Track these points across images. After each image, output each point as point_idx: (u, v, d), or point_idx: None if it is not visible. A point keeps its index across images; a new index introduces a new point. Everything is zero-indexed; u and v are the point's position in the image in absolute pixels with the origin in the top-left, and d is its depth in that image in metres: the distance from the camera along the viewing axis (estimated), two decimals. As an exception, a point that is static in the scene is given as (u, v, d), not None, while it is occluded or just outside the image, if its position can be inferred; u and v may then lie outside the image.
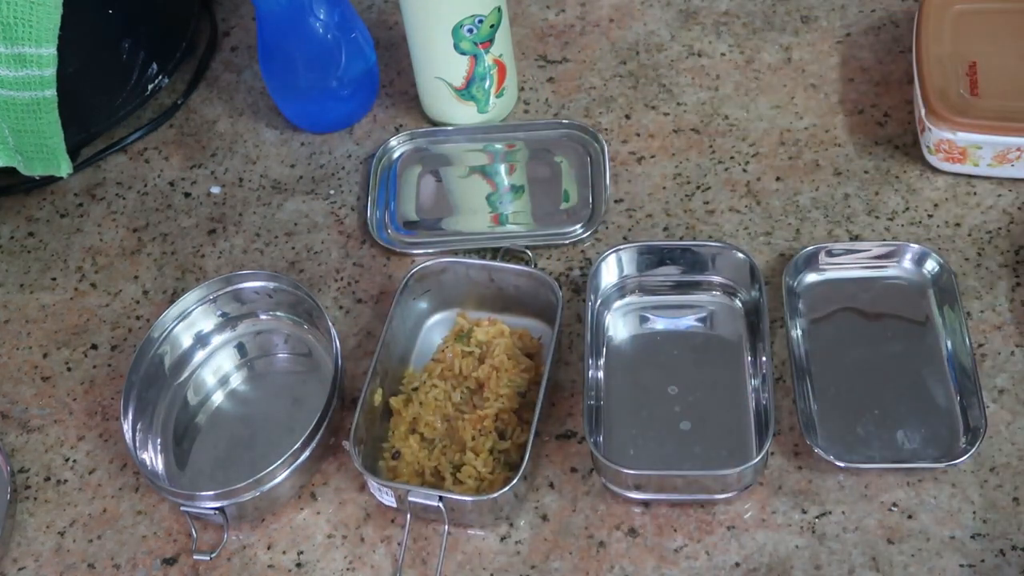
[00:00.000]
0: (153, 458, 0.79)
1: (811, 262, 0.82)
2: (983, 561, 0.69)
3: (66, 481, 0.80)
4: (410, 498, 0.71)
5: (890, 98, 0.94)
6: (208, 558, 0.74)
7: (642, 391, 0.78)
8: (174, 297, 0.89)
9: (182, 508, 0.74)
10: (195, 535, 0.75)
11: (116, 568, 0.76)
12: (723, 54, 1.00)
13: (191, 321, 0.84)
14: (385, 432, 0.78)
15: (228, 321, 0.85)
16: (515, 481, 0.70)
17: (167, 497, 0.76)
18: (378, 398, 0.77)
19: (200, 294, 0.84)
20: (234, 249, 0.92)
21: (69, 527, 0.78)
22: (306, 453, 0.74)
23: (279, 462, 0.73)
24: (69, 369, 0.87)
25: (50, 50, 0.85)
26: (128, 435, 0.77)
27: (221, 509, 0.73)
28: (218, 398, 0.83)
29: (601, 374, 0.79)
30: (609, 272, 0.82)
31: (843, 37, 1.00)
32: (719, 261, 0.82)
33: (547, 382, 0.75)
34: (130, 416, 0.78)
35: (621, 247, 0.82)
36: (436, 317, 0.84)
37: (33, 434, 0.83)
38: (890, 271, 0.82)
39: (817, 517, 0.72)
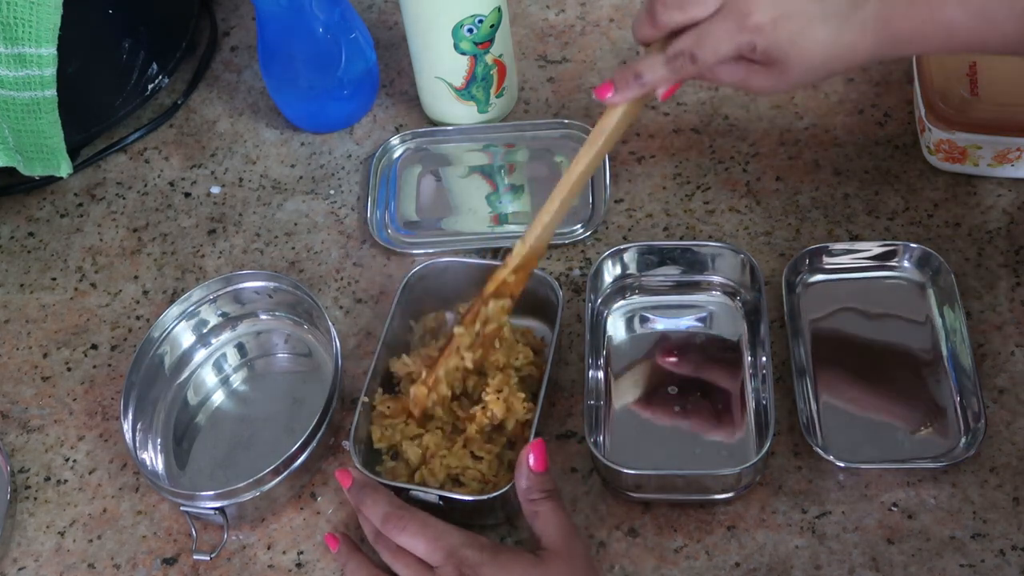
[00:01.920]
0: (153, 458, 0.79)
1: (811, 262, 0.82)
2: (983, 561, 0.69)
3: (66, 481, 0.80)
4: (411, 496, 0.71)
5: (890, 98, 0.94)
6: (208, 558, 0.74)
7: (642, 391, 0.78)
8: (174, 297, 0.89)
9: (182, 508, 0.74)
10: (195, 535, 0.75)
11: (116, 568, 0.76)
12: (723, 54, 1.00)
13: (191, 321, 0.84)
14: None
15: (228, 321, 0.86)
16: (514, 482, 0.70)
17: (167, 497, 0.76)
18: (378, 398, 0.77)
19: (200, 294, 0.84)
20: (234, 249, 0.92)
21: (69, 527, 0.78)
22: (306, 453, 0.75)
23: (279, 462, 0.73)
24: (69, 369, 0.87)
25: (50, 50, 0.85)
26: (128, 435, 0.77)
27: (221, 509, 0.73)
28: (218, 398, 0.83)
29: (601, 374, 0.79)
30: (609, 272, 0.82)
31: (843, 37, 0.99)
32: (719, 261, 0.82)
33: (547, 382, 0.75)
34: (130, 416, 0.78)
35: (621, 247, 0.82)
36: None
37: (33, 434, 0.83)
38: (890, 271, 0.82)
39: (817, 517, 0.72)
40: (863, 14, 0.68)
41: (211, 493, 0.73)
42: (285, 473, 0.74)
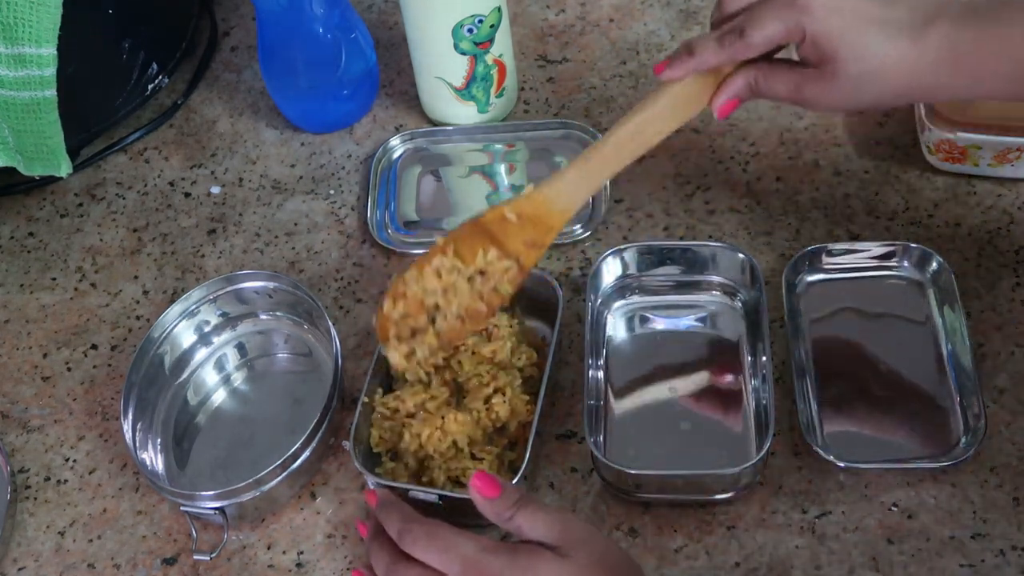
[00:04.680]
0: (153, 458, 0.79)
1: (811, 262, 0.82)
2: (983, 561, 0.69)
3: (66, 481, 0.80)
4: (411, 496, 0.71)
5: (890, 98, 0.94)
6: (208, 558, 0.74)
7: (642, 391, 0.78)
8: (174, 297, 0.89)
9: (182, 508, 0.74)
10: (195, 535, 0.75)
11: (116, 568, 0.76)
12: (723, 54, 1.00)
13: (192, 321, 0.84)
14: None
15: (228, 321, 0.86)
16: (515, 481, 0.70)
17: (167, 497, 0.76)
18: (378, 398, 0.77)
19: (201, 294, 0.84)
20: (234, 249, 0.92)
21: (69, 527, 0.78)
22: (306, 453, 0.75)
23: (279, 462, 0.73)
24: (69, 369, 0.87)
25: (50, 50, 0.85)
26: (128, 435, 0.77)
27: (221, 509, 0.73)
28: (218, 398, 0.83)
29: (601, 374, 0.79)
30: (609, 272, 0.82)
31: (843, 37, 0.99)
32: (719, 261, 0.82)
33: (547, 382, 0.75)
34: (130, 416, 0.78)
35: (621, 247, 0.82)
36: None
37: (33, 434, 0.83)
38: (890, 271, 0.82)
39: (817, 517, 0.72)
40: (931, 32, 0.65)
41: (211, 493, 0.73)
42: (285, 473, 0.74)
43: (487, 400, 0.74)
